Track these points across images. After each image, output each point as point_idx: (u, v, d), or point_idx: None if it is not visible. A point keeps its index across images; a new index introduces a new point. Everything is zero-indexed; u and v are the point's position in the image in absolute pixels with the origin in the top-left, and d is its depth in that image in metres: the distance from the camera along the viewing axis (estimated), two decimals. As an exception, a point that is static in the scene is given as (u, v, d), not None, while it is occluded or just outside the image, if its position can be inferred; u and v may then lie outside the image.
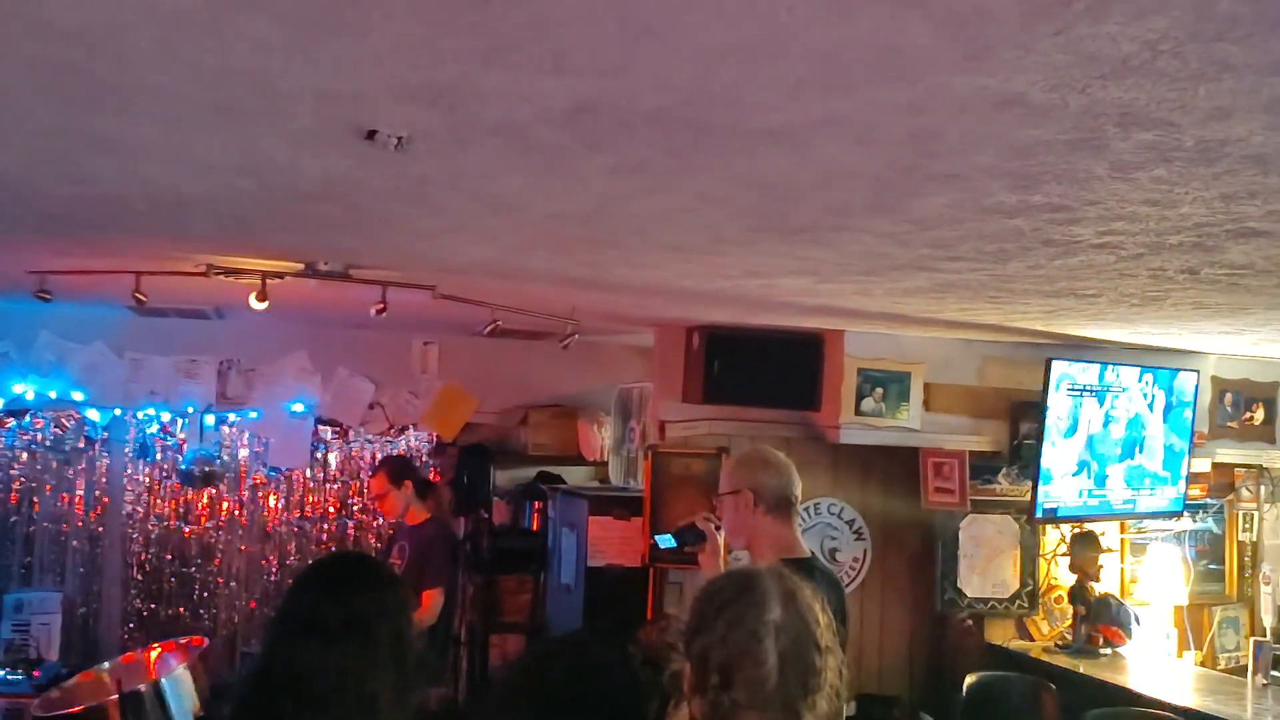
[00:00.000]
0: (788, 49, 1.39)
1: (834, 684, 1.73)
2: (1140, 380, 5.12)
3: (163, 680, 3.85)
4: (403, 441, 6.35)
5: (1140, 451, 5.20)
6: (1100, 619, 5.17)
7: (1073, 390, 4.88)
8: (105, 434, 6.09)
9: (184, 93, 1.72)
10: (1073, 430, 4.92)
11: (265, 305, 3.50)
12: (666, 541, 3.16)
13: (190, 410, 6.07)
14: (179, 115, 1.84)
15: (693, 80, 1.53)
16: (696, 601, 1.81)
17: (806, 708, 1.68)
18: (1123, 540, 5.66)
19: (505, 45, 1.43)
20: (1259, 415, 5.80)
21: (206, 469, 6.08)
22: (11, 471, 5.96)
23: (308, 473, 6.28)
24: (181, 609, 6.15)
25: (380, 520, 6.08)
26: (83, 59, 1.58)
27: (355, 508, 6.34)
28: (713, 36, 1.37)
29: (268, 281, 3.51)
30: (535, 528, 6.14)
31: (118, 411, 6.04)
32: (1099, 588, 5.29)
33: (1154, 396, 5.18)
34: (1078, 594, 5.24)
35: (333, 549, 6.24)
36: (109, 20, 1.42)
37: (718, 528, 3.05)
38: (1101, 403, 5.00)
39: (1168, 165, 1.87)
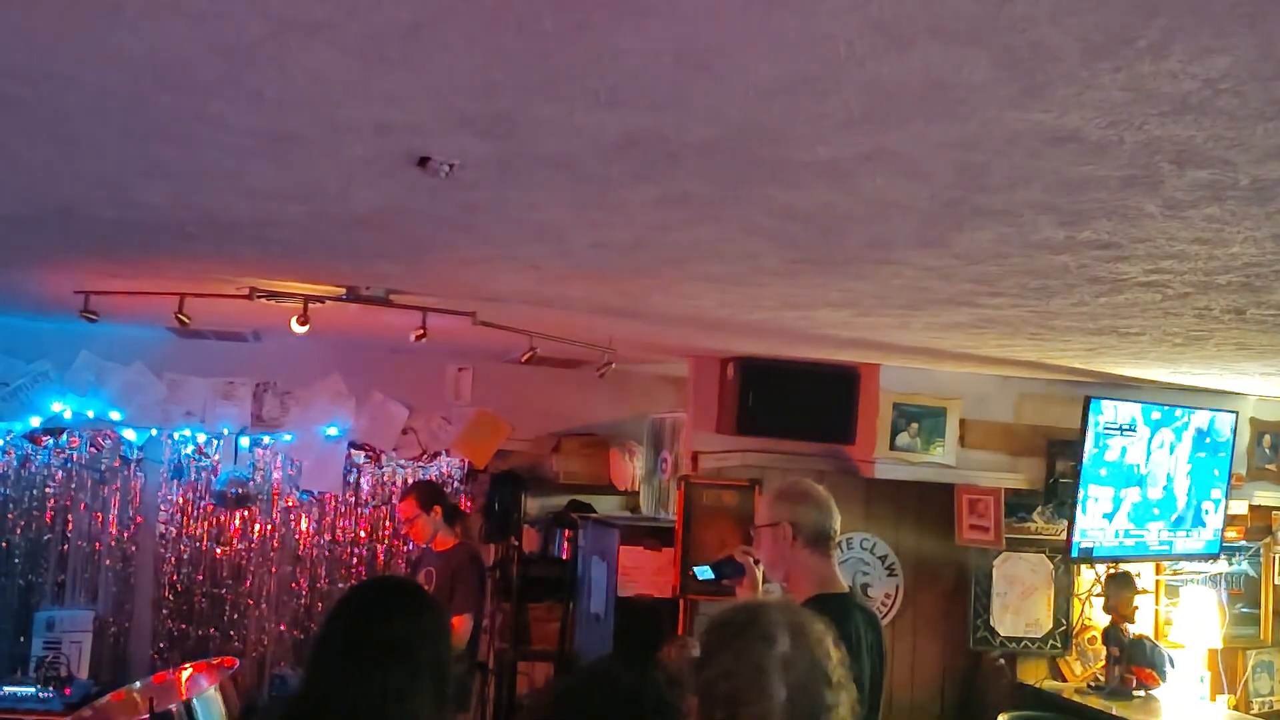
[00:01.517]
0: (841, 83, 1.40)
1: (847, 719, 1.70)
2: (1178, 420, 5.06)
3: (194, 700, 3.88)
4: (435, 467, 6.36)
5: (1177, 492, 5.13)
6: (1134, 660, 5.10)
7: (1111, 429, 4.83)
8: (141, 454, 6.14)
9: (243, 123, 1.74)
10: (1110, 469, 4.87)
11: (306, 329, 3.53)
12: (705, 573, 3.15)
13: (225, 432, 6.13)
14: (236, 144, 1.87)
15: (744, 113, 1.54)
16: (705, 633, 1.79)
17: None
18: (1158, 582, 5.59)
19: (560, 78, 1.44)
20: (1298, 458, 5.72)
21: (239, 491, 6.13)
22: (47, 489, 6.03)
23: (340, 496, 6.30)
24: (212, 629, 6.17)
25: (410, 545, 6.08)
26: (146, 89, 1.61)
27: (386, 532, 6.34)
28: (767, 70, 1.37)
29: (309, 305, 3.54)
30: (565, 556, 6.13)
31: (154, 432, 6.11)
32: (1133, 629, 5.22)
33: (1192, 437, 5.12)
34: (1112, 635, 5.17)
35: (363, 573, 6.26)
36: (174, 51, 1.45)
37: (756, 561, 3.03)
38: (1140, 442, 4.94)
39: (1220, 204, 1.86)
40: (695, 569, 3.24)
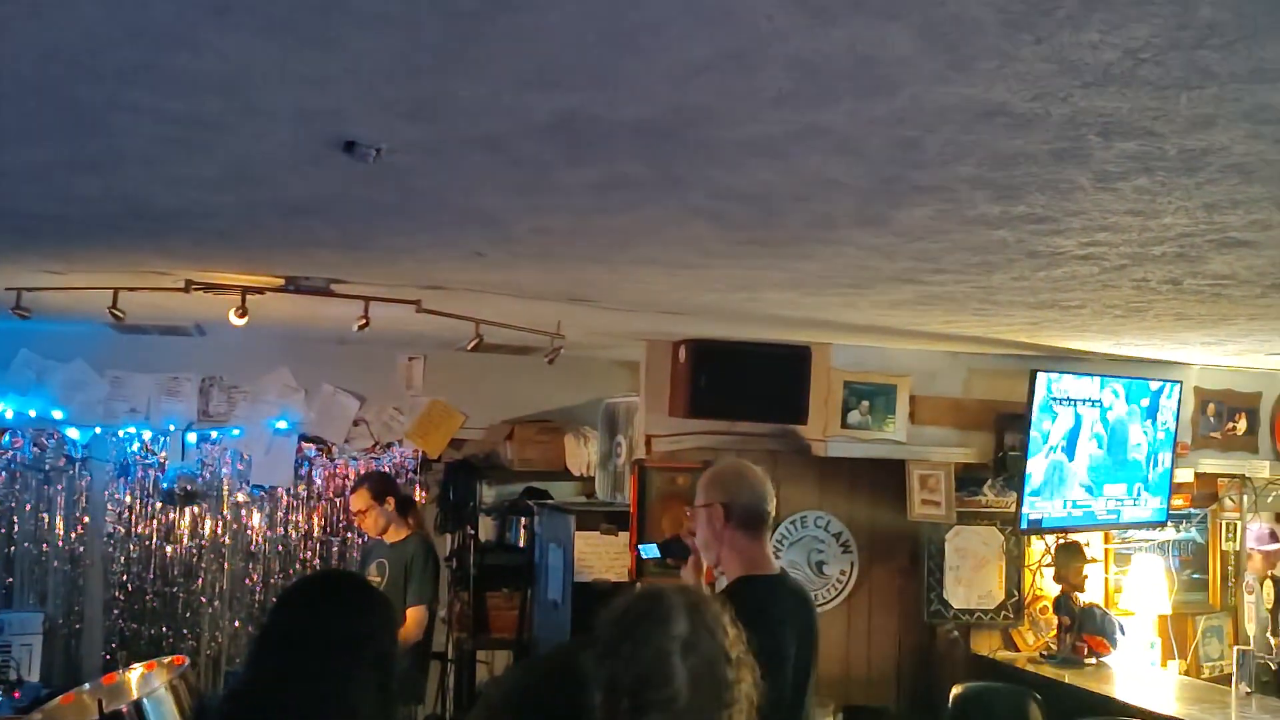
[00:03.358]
0: (768, 59, 1.39)
1: (750, 695, 1.70)
2: (1124, 391, 5.13)
3: (144, 700, 3.80)
4: (388, 458, 6.30)
5: (1124, 462, 5.21)
6: (1085, 629, 5.18)
7: (1057, 401, 4.88)
8: (86, 453, 6.03)
9: (162, 109, 1.70)
10: (1057, 440, 4.93)
11: (245, 321, 3.47)
12: (650, 552, 3.15)
13: (172, 428, 6.03)
14: (157, 132, 1.83)
15: (673, 92, 1.53)
16: (603, 625, 1.75)
17: None
18: (1107, 550, 5.67)
19: (485, 57, 1.42)
20: (1241, 425, 5.83)
21: (188, 487, 6.03)
22: (-10, 492, 5.90)
23: (291, 490, 6.22)
24: (165, 628, 6.08)
25: (364, 537, 6.03)
26: (59, 77, 1.57)
27: (341, 525, 6.28)
28: (693, 48, 1.36)
29: (248, 296, 3.48)
30: (523, 544, 6.10)
31: (98, 430, 5.99)
32: (1084, 598, 5.30)
33: (1137, 407, 5.20)
34: (1063, 604, 5.25)
35: (317, 567, 6.19)
36: (85, 37, 1.41)
37: None
38: (1086, 414, 5.01)
39: (1150, 175, 1.87)
40: (641, 547, 3.24)
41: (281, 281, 3.43)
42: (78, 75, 1.56)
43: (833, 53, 1.35)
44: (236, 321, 3.45)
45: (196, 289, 3.47)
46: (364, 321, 3.60)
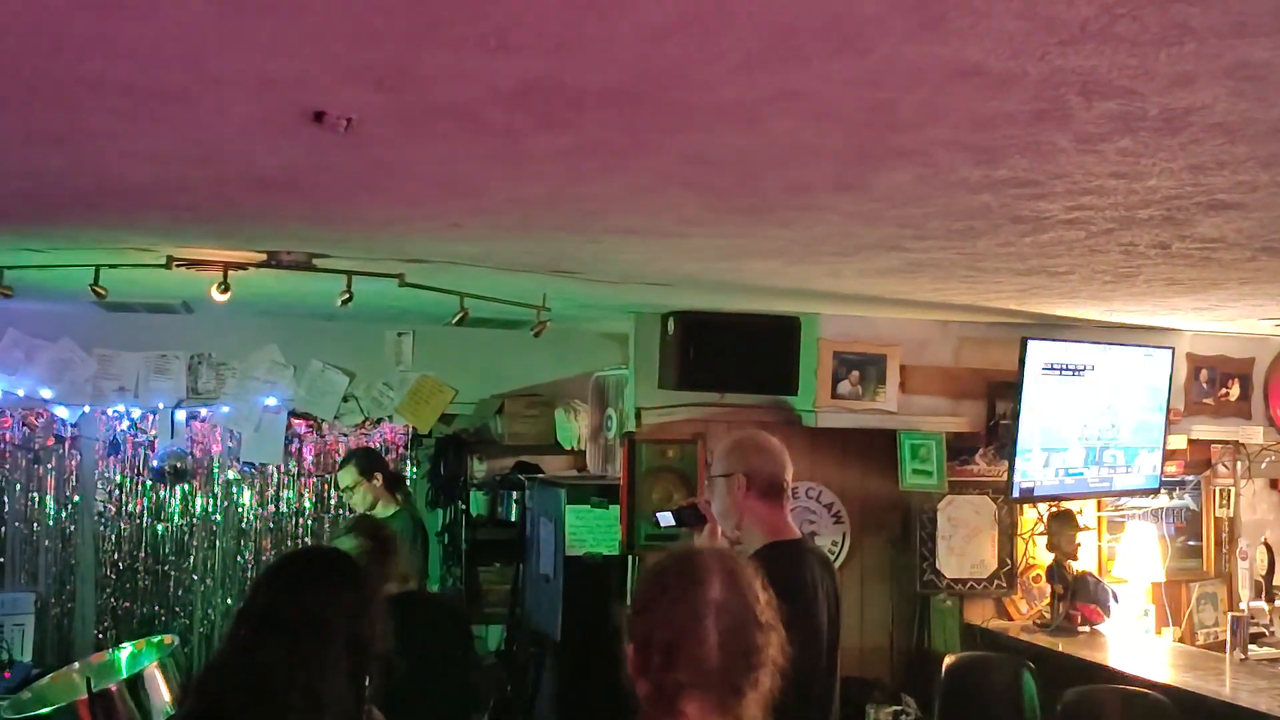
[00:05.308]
0: (734, 20, 1.35)
1: (776, 660, 1.73)
2: (1116, 358, 5.11)
3: (133, 679, 3.81)
4: (378, 434, 6.28)
5: (1117, 429, 5.19)
6: (1078, 597, 5.18)
7: (1048, 369, 4.86)
8: (75, 431, 6.01)
9: (122, 81, 1.66)
10: (1049, 408, 4.90)
11: (228, 297, 3.44)
12: (667, 519, 3.16)
13: (161, 406, 6.00)
14: (119, 105, 1.79)
15: (640, 55, 1.49)
16: (640, 583, 1.83)
17: (749, 685, 1.69)
18: (1100, 518, 5.67)
19: (444, 22, 1.38)
20: (1234, 391, 5.81)
21: (178, 465, 6.02)
22: (-20, 471, 5.88)
23: (282, 467, 6.21)
24: (157, 606, 6.09)
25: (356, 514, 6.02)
26: (15, 50, 1.53)
27: (331, 502, 6.27)
28: (655, 10, 1.32)
29: (231, 273, 3.45)
30: (514, 518, 6.09)
31: (87, 409, 5.97)
32: (1077, 566, 5.30)
33: (1129, 374, 5.17)
34: (1056, 573, 5.24)
35: (309, 543, 6.18)
36: (38, 9, 1.37)
37: None
38: (1078, 382, 4.98)
39: (1133, 136, 1.83)
40: (658, 514, 3.25)
41: (263, 257, 3.39)
42: (33, 48, 1.53)
43: (800, 12, 1.31)
44: (219, 297, 3.42)
45: (178, 265, 3.43)
46: (347, 296, 3.57)
